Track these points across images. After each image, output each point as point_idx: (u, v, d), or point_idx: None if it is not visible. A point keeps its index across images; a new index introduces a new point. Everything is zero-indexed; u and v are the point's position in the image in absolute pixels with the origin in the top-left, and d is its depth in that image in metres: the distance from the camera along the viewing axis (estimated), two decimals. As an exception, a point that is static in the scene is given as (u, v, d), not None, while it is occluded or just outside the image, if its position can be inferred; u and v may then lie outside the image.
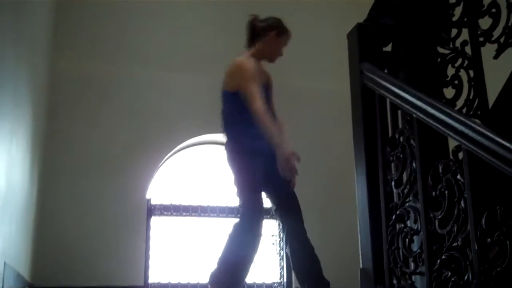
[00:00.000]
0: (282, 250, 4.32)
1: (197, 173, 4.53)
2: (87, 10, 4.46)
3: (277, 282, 4.34)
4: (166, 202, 4.32)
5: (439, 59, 2.11)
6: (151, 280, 4.11)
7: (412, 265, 1.70)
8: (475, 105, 1.98)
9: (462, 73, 2.04)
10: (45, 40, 3.91)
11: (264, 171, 2.80)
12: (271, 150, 2.74)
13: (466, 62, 2.03)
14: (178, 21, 4.61)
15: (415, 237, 1.69)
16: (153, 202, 4.28)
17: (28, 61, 3.20)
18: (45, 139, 3.99)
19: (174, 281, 4.17)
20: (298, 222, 2.85)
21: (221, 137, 4.41)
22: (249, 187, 2.79)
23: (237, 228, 2.78)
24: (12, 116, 2.77)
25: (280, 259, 4.36)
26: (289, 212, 2.87)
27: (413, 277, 1.70)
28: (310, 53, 4.65)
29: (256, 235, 2.76)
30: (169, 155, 4.40)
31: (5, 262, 2.62)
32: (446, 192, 1.56)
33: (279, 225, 4.42)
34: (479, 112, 1.96)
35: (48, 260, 3.84)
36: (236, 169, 2.82)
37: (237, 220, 2.83)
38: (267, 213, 4.35)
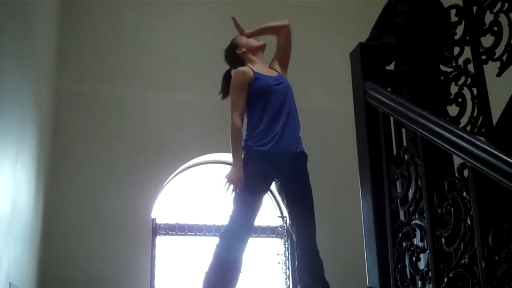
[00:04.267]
0: (288, 269, 4.30)
1: (202, 192, 4.53)
2: (90, 32, 4.51)
3: (283, 301, 4.32)
4: (171, 221, 4.32)
5: (442, 77, 2.12)
6: (157, 299, 4.09)
7: (419, 283, 1.69)
8: (479, 122, 1.98)
9: (466, 91, 2.05)
10: (49, 62, 3.95)
11: (271, 177, 2.82)
12: (285, 155, 2.78)
13: (469, 80, 2.04)
14: (181, 42, 4.66)
15: (421, 255, 1.69)
16: (158, 221, 4.28)
17: (32, 83, 3.22)
18: (50, 160, 4.01)
19: (179, 300, 4.15)
20: (308, 228, 2.84)
21: (225, 157, 4.45)
22: (242, 198, 2.77)
23: (217, 243, 2.77)
24: (18, 137, 2.78)
25: (286, 279, 4.33)
26: (301, 217, 2.86)
27: (420, 295, 1.69)
28: (313, 73, 4.69)
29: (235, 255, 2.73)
30: (173, 174, 4.41)
31: (10, 283, 2.61)
32: (452, 209, 1.56)
33: (284, 243, 4.41)
34: (483, 130, 1.96)
35: (53, 280, 3.84)
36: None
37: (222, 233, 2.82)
38: (272, 231, 4.39)
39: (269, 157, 2.79)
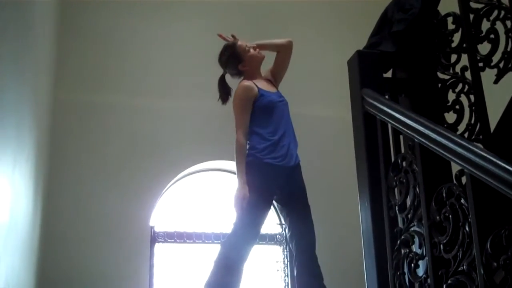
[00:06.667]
0: (287, 277, 4.29)
1: (200, 200, 4.52)
2: (89, 40, 4.52)
3: (282, 309, 4.30)
4: (170, 229, 4.31)
5: (439, 85, 2.13)
6: (155, 308, 4.08)
7: (418, 290, 1.69)
8: (476, 129, 1.99)
9: (463, 98, 2.06)
10: (48, 70, 3.95)
11: (278, 188, 2.84)
12: (290, 168, 2.80)
13: (467, 87, 2.05)
14: (179, 49, 4.66)
15: (420, 262, 1.69)
16: (156, 229, 4.27)
17: (31, 91, 3.23)
18: (48, 168, 4.01)
19: (178, 309, 4.13)
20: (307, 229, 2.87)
21: (224, 164, 4.45)
22: (249, 208, 2.79)
23: (219, 251, 2.78)
24: (15, 145, 2.78)
25: (285, 286, 4.32)
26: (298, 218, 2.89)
27: (419, 302, 1.69)
28: (311, 80, 4.70)
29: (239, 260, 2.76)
30: (172, 182, 4.41)
31: (8, 291, 2.61)
32: (450, 216, 1.56)
33: (283, 251, 4.40)
34: (480, 137, 1.97)
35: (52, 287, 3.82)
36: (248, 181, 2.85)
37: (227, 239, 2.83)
38: (271, 239, 4.39)
39: (280, 170, 2.85)
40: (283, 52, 3.14)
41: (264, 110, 2.95)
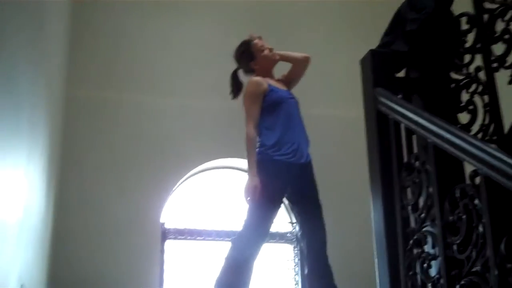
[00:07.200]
0: (298, 275, 4.29)
1: (211, 197, 4.54)
2: (100, 38, 4.55)
3: (292, 308, 4.31)
4: (181, 226, 4.33)
5: (453, 85, 2.12)
6: (165, 304, 4.10)
7: (430, 291, 1.69)
8: (490, 130, 1.98)
9: (477, 98, 2.05)
10: (61, 67, 3.98)
11: (289, 185, 2.84)
12: (301, 165, 2.81)
13: (481, 87, 2.04)
14: (191, 47, 4.68)
15: (433, 262, 1.69)
16: (167, 226, 4.29)
17: (44, 88, 3.25)
18: (60, 164, 4.04)
19: (188, 305, 4.15)
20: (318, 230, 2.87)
21: (235, 162, 4.46)
22: (260, 205, 2.79)
23: (230, 248, 2.78)
24: (29, 141, 2.81)
25: (295, 285, 4.33)
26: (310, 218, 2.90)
27: (431, 302, 1.69)
28: (324, 80, 4.69)
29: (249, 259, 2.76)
30: (183, 179, 4.43)
31: (22, 285, 2.63)
32: (463, 217, 1.56)
33: (294, 249, 4.40)
34: (494, 137, 1.96)
35: (63, 283, 3.85)
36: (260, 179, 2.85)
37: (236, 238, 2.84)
38: (282, 237, 4.39)
39: (290, 167, 2.85)
40: (299, 66, 3.18)
41: (274, 106, 2.96)
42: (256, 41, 3.14)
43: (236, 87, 3.16)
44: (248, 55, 3.12)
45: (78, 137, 4.27)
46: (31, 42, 2.70)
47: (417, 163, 1.82)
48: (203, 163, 4.47)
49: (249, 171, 2.84)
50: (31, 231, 2.97)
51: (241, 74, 3.23)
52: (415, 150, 1.92)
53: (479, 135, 1.99)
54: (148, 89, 4.52)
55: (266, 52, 3.11)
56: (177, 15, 4.74)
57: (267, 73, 3.12)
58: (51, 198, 3.68)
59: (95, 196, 4.16)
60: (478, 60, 2.07)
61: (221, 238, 4.31)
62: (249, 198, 2.78)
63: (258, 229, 2.80)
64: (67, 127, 4.21)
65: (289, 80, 3.19)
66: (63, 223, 3.98)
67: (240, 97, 3.12)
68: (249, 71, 3.16)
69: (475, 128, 2.03)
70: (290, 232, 4.43)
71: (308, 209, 2.91)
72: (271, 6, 4.88)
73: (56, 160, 3.85)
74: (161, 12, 4.72)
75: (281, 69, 3.26)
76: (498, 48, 2.03)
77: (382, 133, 2.01)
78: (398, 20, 2.29)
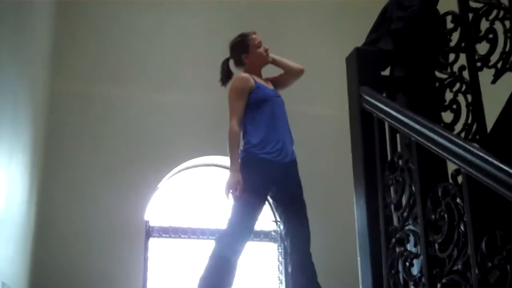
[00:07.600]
0: (281, 274, 4.29)
1: (196, 195, 4.52)
2: (87, 30, 4.51)
3: (275, 306, 4.30)
4: (165, 224, 4.30)
5: (437, 84, 2.12)
6: (149, 302, 4.07)
7: (412, 289, 1.69)
8: (473, 129, 1.98)
9: (460, 97, 2.05)
10: (45, 60, 3.93)
11: (273, 184, 2.83)
12: (285, 164, 2.80)
13: (464, 86, 2.05)
14: (178, 42, 4.65)
15: (415, 261, 1.69)
16: (151, 224, 4.26)
17: (27, 81, 3.22)
18: (44, 159, 3.99)
19: (171, 304, 4.13)
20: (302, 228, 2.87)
21: (220, 160, 4.44)
22: (243, 203, 2.79)
23: (214, 246, 2.78)
24: (11, 136, 2.77)
25: (279, 283, 4.32)
26: (294, 218, 2.90)
27: (413, 301, 1.69)
28: (309, 77, 4.67)
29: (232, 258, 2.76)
30: (167, 176, 4.40)
31: (2, 282, 2.60)
32: (445, 215, 1.56)
33: (278, 248, 4.40)
34: (477, 137, 1.97)
35: (46, 280, 3.81)
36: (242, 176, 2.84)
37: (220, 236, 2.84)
38: (266, 235, 4.38)
39: (275, 166, 2.85)
40: (291, 75, 3.19)
41: (259, 103, 2.97)
42: (255, 36, 3.14)
43: (226, 74, 3.18)
44: (242, 47, 3.13)
45: (62, 132, 4.23)
46: (14, 36, 2.66)
47: (400, 162, 1.82)
48: (188, 160, 4.45)
49: (231, 166, 2.83)
50: (13, 227, 2.94)
51: (231, 65, 3.23)
52: (399, 148, 1.92)
53: (462, 134, 2.00)
54: (133, 84, 4.48)
55: (261, 49, 3.12)
56: (166, 10, 4.70)
57: (256, 71, 3.12)
58: (34, 195, 3.64)
59: (79, 193, 4.12)
60: (463, 59, 2.08)
61: (206, 237, 4.29)
62: (230, 193, 2.78)
63: (242, 227, 2.79)
64: (51, 122, 4.17)
65: (276, 84, 3.19)
66: (46, 220, 3.93)
67: (227, 93, 3.11)
68: (239, 63, 3.16)
69: (458, 127, 2.03)
70: (274, 231, 4.43)
71: (292, 208, 2.91)
72: (260, 2, 4.86)
73: (40, 156, 3.81)
74: (150, 6, 4.69)
75: (271, 72, 3.26)
76: (482, 48, 2.04)
77: (366, 131, 2.01)
78: (384, 18, 2.29)
